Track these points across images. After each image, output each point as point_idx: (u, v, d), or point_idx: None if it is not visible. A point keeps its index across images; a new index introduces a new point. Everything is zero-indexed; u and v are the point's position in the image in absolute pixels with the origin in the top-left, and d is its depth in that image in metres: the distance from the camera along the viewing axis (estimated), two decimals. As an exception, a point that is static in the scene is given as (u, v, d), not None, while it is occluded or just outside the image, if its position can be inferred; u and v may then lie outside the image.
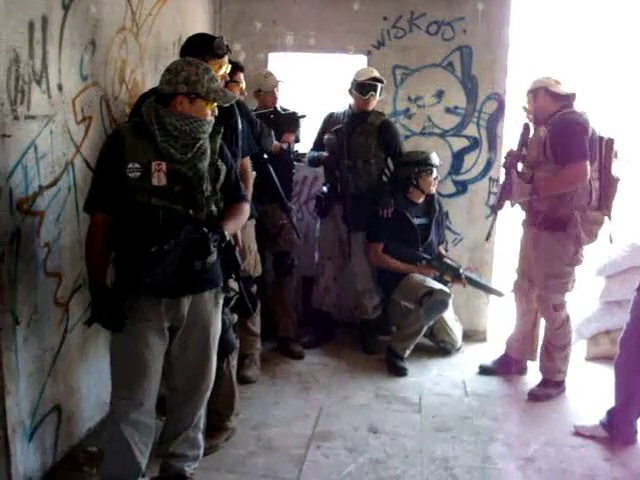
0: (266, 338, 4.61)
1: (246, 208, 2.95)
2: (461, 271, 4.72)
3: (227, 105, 2.80)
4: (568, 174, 3.87)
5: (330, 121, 4.85)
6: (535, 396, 4.17)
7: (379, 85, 4.64)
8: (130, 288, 2.58)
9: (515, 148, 4.19)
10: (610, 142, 3.95)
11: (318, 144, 4.89)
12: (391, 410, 4.00)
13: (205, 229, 2.60)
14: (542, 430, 3.78)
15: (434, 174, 4.71)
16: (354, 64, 4.96)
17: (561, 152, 3.87)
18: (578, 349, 4.79)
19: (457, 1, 4.88)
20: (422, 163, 4.69)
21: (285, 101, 4.82)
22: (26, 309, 2.81)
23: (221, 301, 2.95)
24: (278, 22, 5.09)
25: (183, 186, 2.64)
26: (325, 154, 4.75)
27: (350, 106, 4.78)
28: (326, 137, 4.75)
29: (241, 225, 2.98)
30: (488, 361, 4.61)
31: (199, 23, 4.70)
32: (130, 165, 2.60)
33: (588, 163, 3.83)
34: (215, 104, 2.69)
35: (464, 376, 4.52)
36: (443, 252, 4.94)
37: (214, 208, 2.74)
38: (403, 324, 4.71)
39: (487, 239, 4.43)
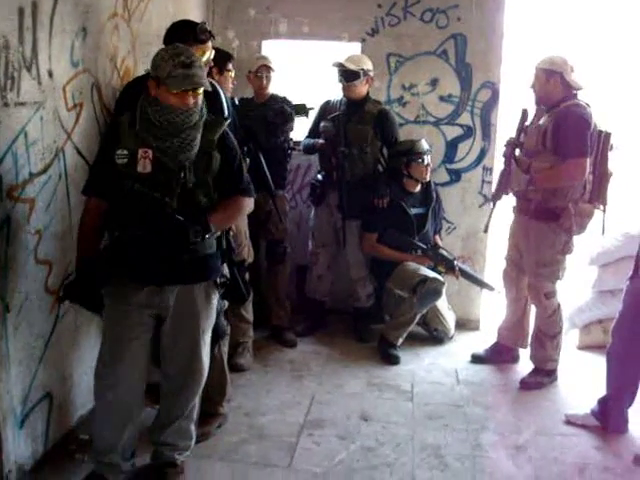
0: (259, 326, 4.61)
1: (243, 202, 2.89)
2: (455, 263, 4.73)
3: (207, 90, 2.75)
4: (568, 170, 3.88)
5: (326, 109, 4.83)
6: (527, 384, 4.18)
7: (347, 70, 4.56)
8: (108, 269, 2.63)
9: (513, 135, 4.16)
10: (607, 136, 3.94)
11: (313, 132, 4.86)
12: (383, 398, 4.01)
13: (181, 218, 2.60)
14: (533, 419, 3.79)
15: (425, 161, 4.68)
16: (348, 51, 4.94)
17: (563, 146, 3.86)
18: (570, 338, 4.81)
19: (451, -12, 4.86)
20: (410, 152, 4.67)
21: (279, 89, 4.79)
22: (17, 297, 2.80)
23: (214, 295, 2.92)
24: (272, 9, 5.07)
25: (165, 175, 2.65)
26: (321, 141, 4.73)
27: (344, 94, 4.76)
28: (322, 125, 4.73)
29: (235, 219, 2.95)
30: (480, 349, 4.62)
31: (192, 10, 4.67)
32: (118, 152, 2.64)
33: (588, 160, 3.86)
34: (199, 91, 2.64)
35: (456, 364, 4.53)
36: (439, 242, 4.94)
37: (202, 199, 2.72)
38: (396, 312, 4.71)
39: (485, 231, 4.44)
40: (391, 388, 4.14)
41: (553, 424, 3.73)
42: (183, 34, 3.15)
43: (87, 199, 2.80)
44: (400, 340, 4.64)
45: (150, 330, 2.85)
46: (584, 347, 4.83)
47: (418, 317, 4.65)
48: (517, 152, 4.13)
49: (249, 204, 2.95)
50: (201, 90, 2.64)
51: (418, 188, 4.79)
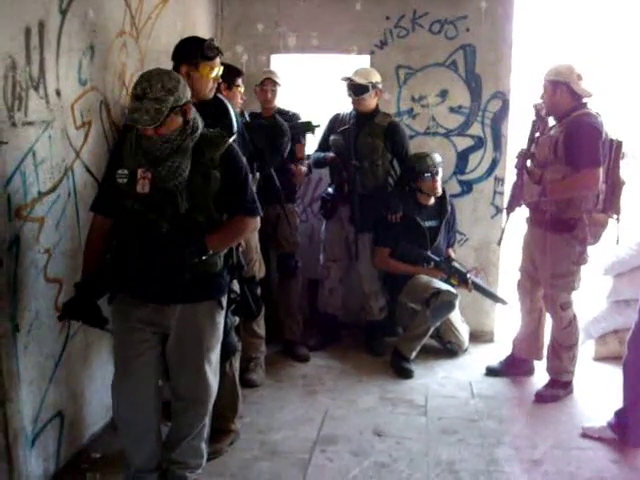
0: (271, 341, 4.59)
1: (247, 222, 2.86)
2: (468, 276, 4.70)
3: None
4: (581, 180, 3.86)
5: (336, 122, 4.84)
6: (542, 397, 4.13)
7: (356, 84, 4.57)
8: (112, 286, 2.68)
9: (524, 146, 4.14)
10: (619, 145, 3.92)
11: (323, 145, 4.87)
12: (397, 413, 3.97)
13: (173, 240, 2.61)
14: (549, 432, 3.74)
15: (436, 176, 4.66)
16: (357, 64, 4.94)
17: (575, 156, 3.84)
18: (586, 349, 4.76)
19: (460, 0, 4.84)
20: (417, 168, 4.65)
21: (288, 103, 4.80)
22: (27, 316, 2.81)
23: (219, 314, 2.90)
24: (280, 23, 5.08)
25: (162, 196, 2.64)
26: (331, 155, 4.73)
27: (354, 107, 4.75)
28: (332, 138, 4.74)
29: (237, 240, 2.90)
30: (495, 362, 4.58)
31: (200, 26, 4.68)
32: (119, 171, 2.66)
33: (601, 170, 3.83)
34: (146, 126, 2.53)
35: (471, 377, 4.49)
36: (452, 255, 4.91)
37: (201, 219, 2.69)
38: (410, 325, 4.69)
39: (499, 243, 4.43)
40: (405, 402, 4.10)
41: (569, 437, 3.68)
42: (191, 51, 3.17)
43: (94, 217, 2.82)
44: (414, 353, 4.60)
45: (156, 347, 2.84)
46: (600, 358, 4.77)
47: (432, 330, 4.62)
48: (528, 163, 4.11)
49: (254, 224, 2.92)
50: (163, 123, 2.55)
51: (432, 201, 4.76)
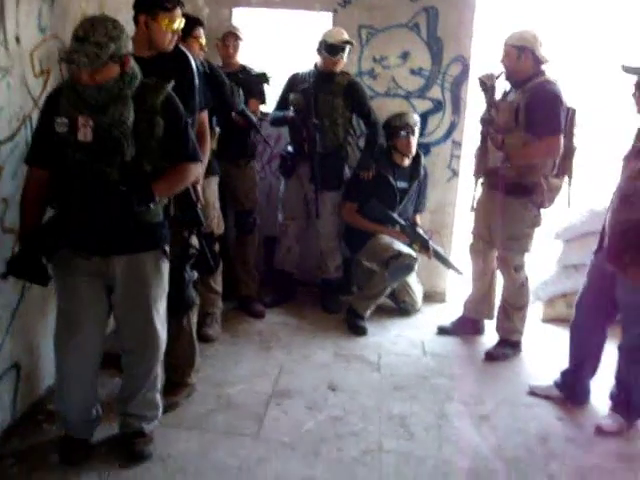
0: (227, 297, 4.61)
1: (190, 168, 2.84)
2: (430, 243, 4.76)
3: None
4: (544, 146, 3.94)
5: (295, 81, 4.80)
6: (492, 356, 4.26)
7: (348, 47, 4.61)
8: (55, 242, 2.61)
9: (483, 111, 4.19)
10: (573, 112, 4.00)
11: (282, 104, 4.84)
12: (350, 369, 4.06)
13: (123, 188, 2.58)
14: (498, 389, 3.87)
15: (411, 135, 4.69)
16: (319, 22, 4.91)
17: (537, 123, 3.90)
18: (534, 311, 4.89)
19: (424, -40, 4.83)
20: (394, 125, 4.70)
21: (249, 59, 4.75)
22: (-16, 267, 2.77)
23: (164, 263, 2.89)
24: (244, -24, 5.00)
25: (107, 145, 2.58)
26: (291, 114, 4.72)
27: (316, 66, 4.73)
28: (292, 96, 4.71)
29: (181, 186, 2.85)
30: (446, 322, 4.69)
31: (162, -24, 4.57)
32: (58, 120, 2.57)
33: (562, 137, 3.91)
34: (86, 67, 2.47)
35: (423, 336, 4.59)
36: (417, 221, 4.97)
37: (147, 166, 2.67)
38: (366, 285, 4.75)
39: (472, 210, 4.42)
40: (358, 359, 4.18)
41: (517, 395, 3.82)
42: (150, 1, 3.11)
43: (29, 169, 2.72)
44: (368, 312, 4.68)
45: (103, 300, 2.84)
46: (548, 320, 4.92)
47: (388, 290, 4.69)
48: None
49: (196, 169, 2.91)
50: (101, 68, 2.49)
51: (407, 162, 4.79)
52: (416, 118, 4.79)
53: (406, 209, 4.84)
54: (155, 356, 2.99)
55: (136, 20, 3.16)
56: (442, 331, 4.63)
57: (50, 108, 2.63)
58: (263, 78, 4.64)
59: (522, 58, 3.97)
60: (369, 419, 3.49)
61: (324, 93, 4.67)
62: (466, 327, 4.59)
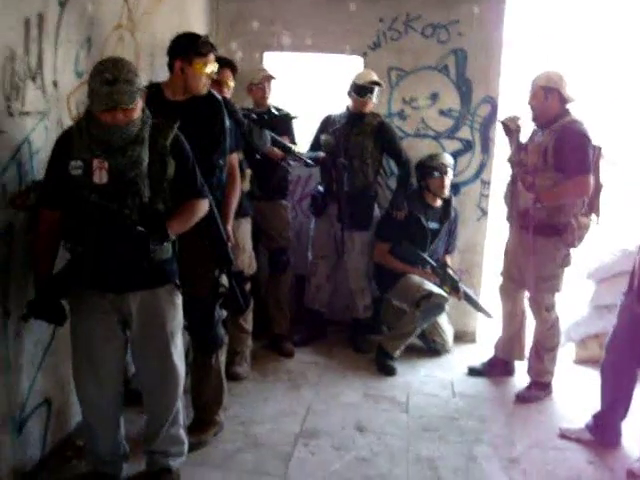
0: (258, 336, 4.64)
1: (199, 205, 2.90)
2: (460, 285, 4.76)
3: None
4: (574, 187, 3.94)
5: (328, 123, 4.89)
6: (523, 398, 4.21)
7: (377, 88, 4.68)
8: (69, 281, 2.66)
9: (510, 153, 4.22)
10: (599, 150, 4.01)
11: (315, 145, 4.91)
12: (379, 409, 4.03)
13: (141, 229, 2.63)
14: (528, 432, 3.82)
15: (445, 176, 4.72)
16: (350, 65, 5.00)
17: (567, 164, 3.92)
18: (567, 352, 4.83)
19: (452, 4, 4.90)
20: (430, 166, 4.73)
21: (280, 101, 4.84)
22: (18, 303, 2.82)
23: (177, 297, 2.94)
24: (275, 21, 5.11)
25: (123, 186, 2.64)
26: (322, 154, 4.78)
27: (347, 107, 4.81)
28: (323, 137, 4.78)
29: (191, 223, 2.89)
30: (477, 362, 4.65)
31: (196, 21, 4.72)
32: (72, 163, 2.62)
33: (592, 176, 3.94)
34: (128, 106, 2.55)
35: (452, 377, 4.55)
36: (448, 262, 4.97)
37: (161, 206, 2.73)
38: (397, 324, 4.74)
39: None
40: (387, 399, 4.16)
41: (547, 438, 3.76)
42: (185, 46, 3.20)
43: (41, 212, 2.75)
44: (398, 352, 4.66)
45: (120, 337, 2.87)
46: (580, 361, 4.85)
47: (418, 330, 4.68)
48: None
49: (205, 205, 2.94)
50: (135, 105, 2.58)
51: (438, 203, 4.82)
52: (450, 159, 4.83)
53: (437, 250, 4.85)
54: (175, 391, 3.00)
55: (171, 65, 3.25)
56: (472, 372, 4.59)
57: (61, 151, 2.66)
58: (287, 118, 4.70)
59: (549, 99, 4.01)
60: (396, 461, 3.46)
61: (355, 134, 4.73)
62: (497, 368, 4.55)
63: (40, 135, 2.90)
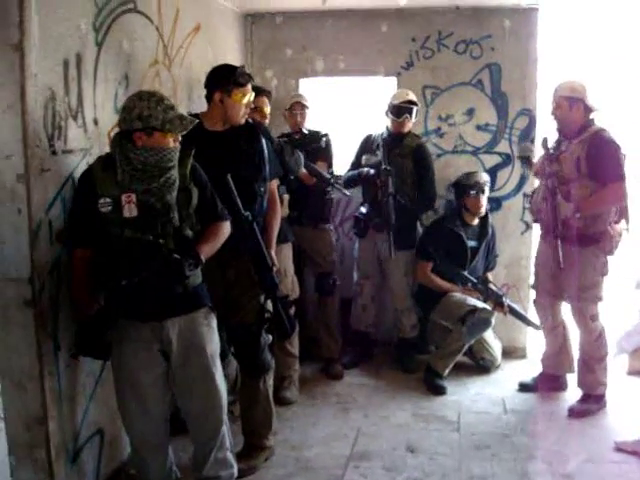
0: (305, 360, 4.66)
1: (223, 227, 2.97)
2: (504, 299, 4.72)
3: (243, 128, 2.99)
4: (612, 194, 3.96)
5: (368, 142, 4.92)
6: (576, 412, 4.13)
7: (414, 108, 4.70)
8: (112, 316, 2.70)
9: (542, 163, 4.24)
10: (624, 157, 4.00)
11: (356, 165, 4.94)
12: (429, 429, 4.00)
13: (177, 256, 2.68)
14: (582, 446, 3.74)
15: (481, 194, 4.70)
16: (385, 86, 5.03)
17: (603, 172, 3.93)
18: (620, 363, 4.74)
19: (484, 19, 4.92)
20: (466, 185, 4.73)
21: (318, 126, 4.88)
22: (67, 335, 2.90)
23: (213, 320, 2.98)
24: (308, 47, 5.19)
25: (153, 217, 2.71)
26: (366, 170, 4.76)
27: (387, 128, 4.83)
28: (365, 157, 4.81)
29: (218, 245, 2.95)
30: (527, 378, 4.59)
31: (230, 52, 4.81)
32: (101, 200, 2.68)
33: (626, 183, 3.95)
34: (178, 132, 2.71)
35: (503, 393, 4.50)
36: (489, 278, 4.94)
37: (189, 232, 2.80)
38: (444, 342, 4.71)
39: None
40: (437, 419, 4.13)
41: (602, 452, 3.68)
42: (223, 78, 3.27)
43: (73, 251, 2.81)
44: (447, 370, 4.63)
45: (162, 366, 2.90)
46: (634, 372, 4.75)
47: (466, 347, 4.64)
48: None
49: (228, 227, 3.00)
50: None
51: (476, 221, 4.81)
52: (485, 177, 4.80)
53: (476, 268, 4.82)
54: (221, 413, 3.01)
55: (210, 97, 3.32)
56: (523, 388, 4.53)
57: (86, 189, 2.73)
58: (317, 136, 4.69)
59: (574, 109, 4.03)
60: (449, 480, 3.43)
61: (394, 155, 4.74)
62: (547, 383, 4.48)
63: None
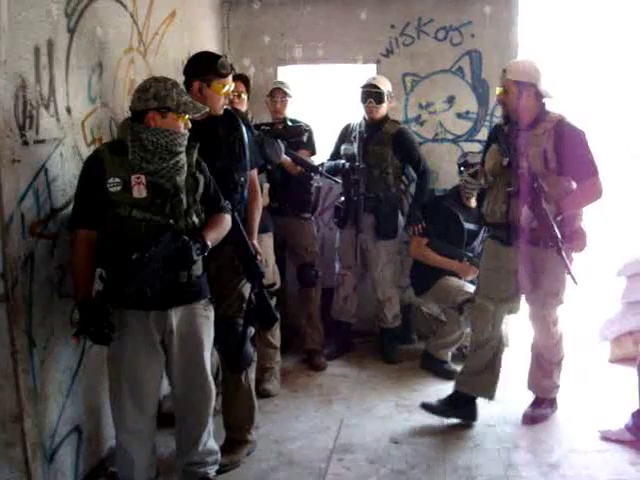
0: (287, 351, 4.61)
1: (227, 219, 3.00)
2: None
3: (211, 115, 2.97)
4: (591, 189, 3.58)
5: (347, 132, 4.88)
6: (530, 418, 3.90)
7: (379, 92, 4.63)
8: (116, 301, 2.63)
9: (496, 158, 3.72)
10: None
11: (335, 155, 4.90)
12: (412, 420, 3.97)
13: (186, 237, 2.69)
14: (566, 436, 3.74)
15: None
16: (364, 74, 4.97)
17: (576, 166, 3.55)
18: (601, 351, 4.74)
19: (464, 6, 4.88)
20: (458, 164, 4.67)
21: (297, 114, 4.82)
22: (42, 331, 2.82)
23: (211, 313, 2.99)
24: (286, 35, 5.13)
25: (163, 198, 2.72)
26: (343, 162, 4.74)
27: (363, 117, 4.78)
28: (343, 147, 4.77)
29: (222, 235, 2.97)
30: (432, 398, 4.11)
31: (207, 39, 4.73)
32: (110, 180, 2.68)
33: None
34: (187, 117, 2.77)
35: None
36: None
37: (195, 219, 2.82)
38: (442, 332, 4.69)
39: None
40: (420, 409, 4.07)
41: (586, 441, 3.67)
42: (204, 68, 3.19)
43: (76, 232, 2.77)
44: (449, 354, 4.62)
45: (161, 357, 2.90)
46: (616, 360, 4.75)
47: (464, 336, 4.58)
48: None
49: (229, 221, 3.03)
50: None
51: (473, 203, 4.72)
52: (477, 158, 4.57)
53: (474, 252, 4.70)
54: (211, 402, 3.07)
55: (188, 85, 3.22)
56: (426, 407, 3.97)
57: (94, 172, 2.71)
58: (298, 131, 4.64)
59: (524, 96, 3.55)
60: (434, 472, 3.39)
61: (373, 143, 4.70)
62: (457, 407, 3.92)
63: (56, 162, 2.90)
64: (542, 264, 3.72)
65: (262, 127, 4.32)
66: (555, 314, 3.90)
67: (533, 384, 4.02)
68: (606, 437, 3.66)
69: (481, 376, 3.87)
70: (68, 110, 2.98)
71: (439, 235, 4.65)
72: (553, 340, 3.93)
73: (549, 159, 3.56)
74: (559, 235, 3.52)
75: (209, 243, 2.79)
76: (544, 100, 3.61)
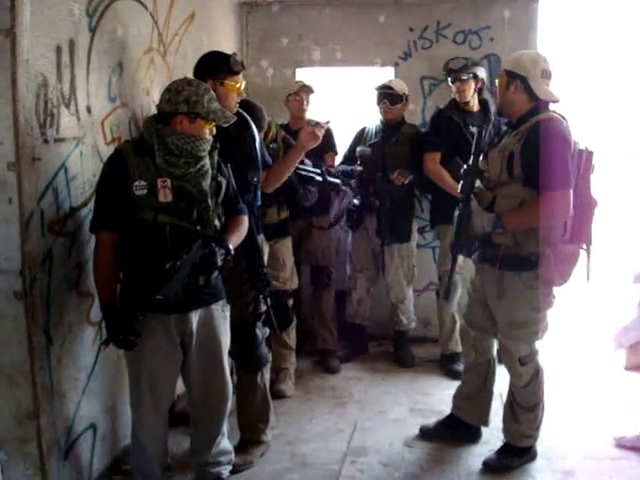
0: (301, 353, 4.61)
1: (245, 221, 3.01)
2: None
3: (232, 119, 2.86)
4: (547, 206, 3.02)
5: (362, 135, 4.88)
6: (491, 466, 3.42)
7: (394, 94, 4.62)
8: (141, 306, 2.63)
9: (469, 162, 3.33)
10: (588, 156, 3.13)
11: (349, 158, 4.89)
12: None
13: (213, 245, 2.69)
14: (581, 442, 3.70)
15: (457, 82, 4.48)
16: (382, 76, 4.97)
17: (538, 175, 3.01)
18: (617, 358, 4.71)
19: (483, 10, 4.87)
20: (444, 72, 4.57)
21: (314, 115, 4.81)
22: (60, 329, 2.85)
23: (227, 313, 3.01)
24: (304, 37, 5.13)
25: (188, 203, 2.71)
26: (359, 168, 4.73)
27: (380, 120, 4.78)
28: (359, 149, 4.76)
29: (242, 237, 2.98)
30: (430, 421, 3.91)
31: (226, 41, 4.74)
32: (136, 183, 2.67)
33: (571, 192, 3.04)
34: (213, 124, 2.76)
35: (500, 388, 4.42)
36: None
37: (217, 223, 2.82)
38: (441, 326, 4.73)
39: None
40: (434, 413, 4.05)
41: (601, 447, 3.64)
42: (217, 66, 3.20)
43: (99, 235, 2.77)
44: (459, 345, 4.49)
45: (180, 359, 2.92)
46: (632, 367, 4.71)
47: (456, 315, 4.56)
48: (477, 183, 3.28)
49: (247, 222, 3.04)
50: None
51: (475, 108, 4.58)
52: (462, 63, 4.48)
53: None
54: (227, 405, 3.09)
55: None
56: (423, 432, 3.83)
57: (118, 173, 2.71)
58: (333, 186, 4.47)
59: (511, 88, 3.17)
60: (447, 476, 3.39)
61: (390, 145, 4.69)
62: (454, 430, 3.75)
63: (76, 161, 2.92)
64: (500, 287, 3.26)
65: (299, 171, 4.06)
66: (523, 350, 3.33)
67: (503, 426, 3.53)
68: (621, 444, 3.63)
69: (472, 402, 3.66)
70: (88, 109, 3.00)
71: (447, 147, 4.43)
72: (521, 381, 3.39)
73: (514, 164, 3.11)
74: (456, 243, 3.27)
75: (231, 248, 2.79)
76: (543, 100, 3.17)
